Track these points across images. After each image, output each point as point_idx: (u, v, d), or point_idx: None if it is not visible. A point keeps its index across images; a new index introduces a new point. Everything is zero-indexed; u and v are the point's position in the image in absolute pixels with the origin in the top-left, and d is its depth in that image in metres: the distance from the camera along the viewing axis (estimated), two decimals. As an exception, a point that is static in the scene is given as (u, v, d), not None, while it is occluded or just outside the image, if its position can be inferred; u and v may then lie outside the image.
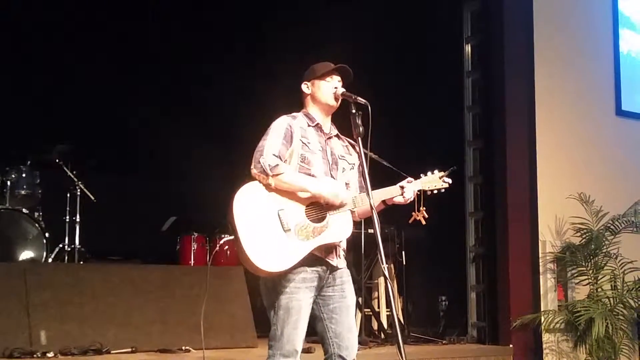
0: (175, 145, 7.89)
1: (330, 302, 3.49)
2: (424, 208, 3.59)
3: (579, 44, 7.39)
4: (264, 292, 3.47)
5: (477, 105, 7.18)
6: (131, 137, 7.85)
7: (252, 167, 3.40)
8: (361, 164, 3.44)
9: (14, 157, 6.88)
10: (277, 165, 3.36)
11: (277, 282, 3.37)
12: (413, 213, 3.61)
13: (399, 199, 3.57)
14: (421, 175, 3.63)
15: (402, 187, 3.55)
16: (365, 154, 3.43)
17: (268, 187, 3.38)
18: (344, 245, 3.57)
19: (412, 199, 3.57)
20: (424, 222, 3.61)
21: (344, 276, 3.54)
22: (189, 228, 7.43)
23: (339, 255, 3.53)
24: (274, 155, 3.39)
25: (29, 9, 7.43)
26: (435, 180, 3.62)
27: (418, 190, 3.59)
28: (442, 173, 3.65)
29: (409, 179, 3.61)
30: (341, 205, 3.42)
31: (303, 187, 3.39)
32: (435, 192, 3.62)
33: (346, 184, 3.61)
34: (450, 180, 3.65)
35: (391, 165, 3.88)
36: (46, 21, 7.61)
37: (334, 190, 3.40)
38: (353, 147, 3.66)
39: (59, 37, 7.68)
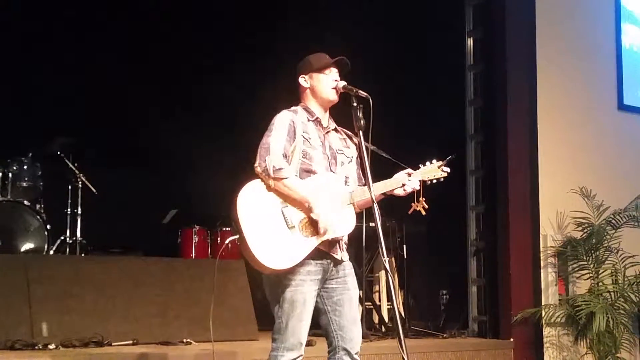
0: (176, 137, 7.88)
1: (333, 294, 3.49)
2: (424, 198, 3.57)
3: (581, 38, 7.37)
4: (268, 285, 3.46)
5: (478, 98, 7.15)
6: (133, 129, 7.84)
7: (256, 164, 3.38)
8: (361, 157, 3.43)
9: (16, 149, 6.88)
10: (282, 169, 3.34)
11: (282, 275, 3.36)
12: (413, 204, 3.59)
13: (399, 191, 3.56)
14: (420, 165, 3.62)
15: (403, 184, 3.53)
16: (366, 147, 3.41)
17: (269, 186, 3.38)
18: (345, 238, 3.56)
19: (411, 190, 3.56)
20: (424, 213, 3.59)
21: (347, 269, 3.55)
22: (190, 221, 7.44)
23: (342, 248, 3.54)
24: (282, 155, 3.36)
25: (30, 5, 7.42)
26: (434, 170, 3.60)
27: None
28: (440, 162, 3.62)
29: (409, 170, 3.59)
30: (325, 235, 3.36)
31: (301, 199, 3.35)
32: (435, 181, 3.60)
33: (345, 177, 3.60)
34: (448, 169, 3.62)
35: (390, 156, 3.85)
36: (48, 18, 7.60)
37: (327, 224, 3.34)
38: (351, 139, 3.65)
39: (62, 32, 7.67)
